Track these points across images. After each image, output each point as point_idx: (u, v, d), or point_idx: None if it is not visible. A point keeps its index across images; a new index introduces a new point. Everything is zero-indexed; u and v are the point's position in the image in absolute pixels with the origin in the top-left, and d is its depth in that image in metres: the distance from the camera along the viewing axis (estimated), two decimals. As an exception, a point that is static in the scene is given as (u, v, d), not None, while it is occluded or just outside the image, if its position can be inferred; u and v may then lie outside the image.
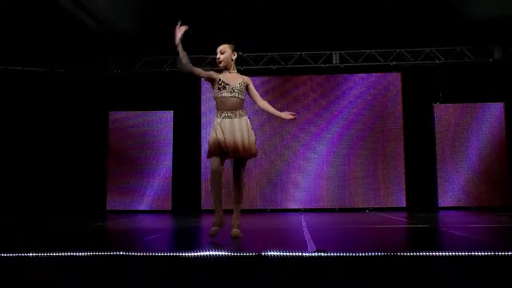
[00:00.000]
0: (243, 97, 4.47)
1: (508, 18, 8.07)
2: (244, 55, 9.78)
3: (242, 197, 4.64)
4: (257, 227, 6.46)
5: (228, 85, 4.38)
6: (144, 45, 9.47)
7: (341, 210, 9.54)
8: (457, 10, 8.15)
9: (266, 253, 3.09)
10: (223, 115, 4.33)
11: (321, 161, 9.80)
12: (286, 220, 7.44)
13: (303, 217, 7.86)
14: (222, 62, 4.46)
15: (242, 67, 9.78)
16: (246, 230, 5.94)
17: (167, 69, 9.98)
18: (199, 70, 4.45)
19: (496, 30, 8.70)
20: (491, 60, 9.49)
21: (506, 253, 3.16)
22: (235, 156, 4.37)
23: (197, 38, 9.14)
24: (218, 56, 4.47)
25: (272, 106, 9.47)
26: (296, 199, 9.78)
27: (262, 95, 9.85)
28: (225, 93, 4.36)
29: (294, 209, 9.64)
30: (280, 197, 9.81)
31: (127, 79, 10.04)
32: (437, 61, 9.55)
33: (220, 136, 4.24)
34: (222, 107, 4.36)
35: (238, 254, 3.16)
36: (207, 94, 10.04)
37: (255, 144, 4.51)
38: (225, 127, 4.28)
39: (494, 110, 9.72)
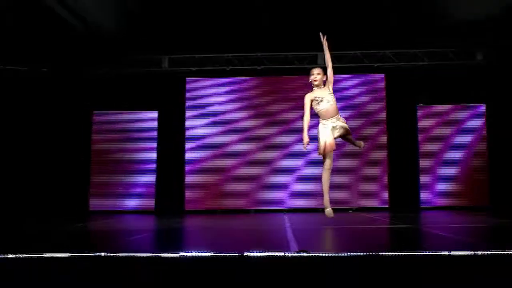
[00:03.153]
0: (335, 103, 5.53)
1: (489, 21, 8.17)
2: (230, 55, 9.78)
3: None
4: (240, 227, 6.46)
5: (322, 98, 5.48)
6: (129, 45, 9.42)
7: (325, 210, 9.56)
8: (441, 13, 8.24)
9: (248, 254, 3.10)
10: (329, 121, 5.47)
11: (305, 162, 9.82)
12: (269, 221, 7.44)
13: (286, 217, 7.87)
14: (318, 81, 5.56)
15: (228, 67, 9.79)
16: (229, 231, 5.94)
17: (152, 69, 9.93)
18: (308, 111, 5.57)
19: (479, 32, 8.80)
20: (473, 62, 9.59)
21: (486, 253, 3.21)
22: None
23: (184, 36, 9.18)
24: (314, 77, 5.59)
25: (258, 107, 9.96)
26: (280, 199, 9.79)
27: (247, 96, 9.95)
28: (322, 105, 5.48)
29: (278, 209, 9.65)
30: (264, 198, 9.82)
31: (112, 79, 9.97)
32: (420, 63, 9.63)
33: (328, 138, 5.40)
34: (325, 116, 5.48)
35: (220, 254, 3.15)
36: (192, 94, 10.01)
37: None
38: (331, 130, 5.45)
39: (476, 112, 9.83)
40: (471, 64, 9.60)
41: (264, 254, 3.10)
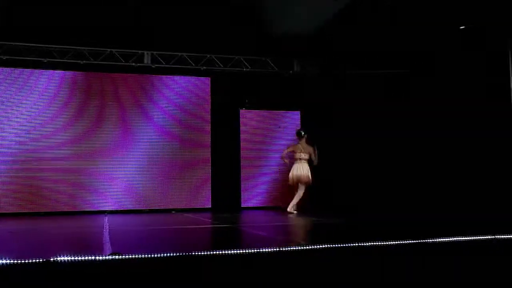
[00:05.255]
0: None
1: (304, 35, 8.88)
2: (48, 46, 9.09)
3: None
4: (54, 231, 6.07)
5: (304, 152, 8.65)
6: None
7: (149, 211, 9.45)
8: (264, 24, 8.71)
9: (55, 259, 2.90)
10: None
11: (128, 162, 9.57)
12: (88, 223, 7.12)
13: (107, 219, 7.59)
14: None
15: (46, 59, 9.09)
16: (39, 235, 5.53)
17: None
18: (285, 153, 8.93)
19: (296, 45, 9.49)
20: (291, 72, 10.33)
21: (290, 249, 3.46)
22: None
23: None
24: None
25: (80, 103, 9.76)
26: (102, 200, 9.38)
27: (67, 91, 9.34)
28: (303, 156, 8.61)
29: (100, 210, 9.24)
30: (86, 199, 9.31)
31: None
32: (244, 69, 10.06)
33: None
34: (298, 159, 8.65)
35: (22, 261, 2.89)
36: (1, 85, 9.07)
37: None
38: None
39: (293, 118, 10.60)
40: (289, 74, 10.32)
41: (73, 258, 2.94)
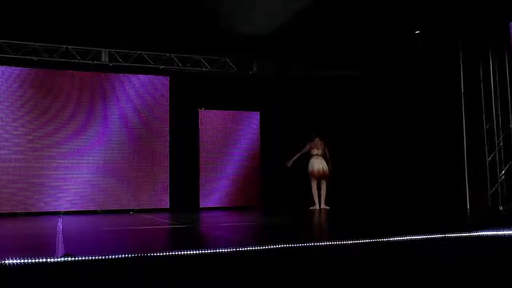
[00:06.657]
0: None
1: (263, 37, 8.92)
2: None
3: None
4: (4, 232, 5.89)
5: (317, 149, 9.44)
6: None
7: (105, 212, 9.27)
8: (224, 24, 8.69)
9: (3, 262, 2.80)
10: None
11: (84, 161, 9.35)
12: (40, 224, 6.93)
13: (61, 220, 7.39)
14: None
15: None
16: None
17: None
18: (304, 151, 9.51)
19: (255, 46, 9.53)
20: (250, 72, 10.36)
21: (248, 249, 3.47)
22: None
23: None
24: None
25: (33, 101, 9.42)
26: (55, 201, 9.13)
27: (19, 89, 9.04)
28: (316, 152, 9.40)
29: (52, 211, 8.99)
30: (37, 199, 9.04)
31: None
32: (203, 69, 10.02)
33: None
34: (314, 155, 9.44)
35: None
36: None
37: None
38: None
39: (252, 119, 10.62)
40: (249, 75, 10.35)
41: (23, 261, 2.85)
